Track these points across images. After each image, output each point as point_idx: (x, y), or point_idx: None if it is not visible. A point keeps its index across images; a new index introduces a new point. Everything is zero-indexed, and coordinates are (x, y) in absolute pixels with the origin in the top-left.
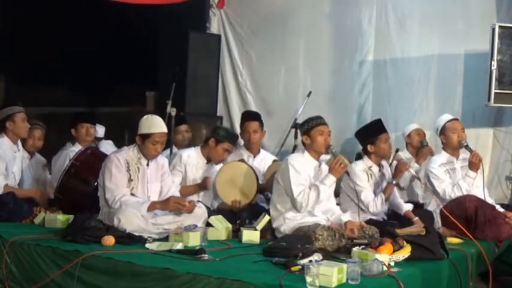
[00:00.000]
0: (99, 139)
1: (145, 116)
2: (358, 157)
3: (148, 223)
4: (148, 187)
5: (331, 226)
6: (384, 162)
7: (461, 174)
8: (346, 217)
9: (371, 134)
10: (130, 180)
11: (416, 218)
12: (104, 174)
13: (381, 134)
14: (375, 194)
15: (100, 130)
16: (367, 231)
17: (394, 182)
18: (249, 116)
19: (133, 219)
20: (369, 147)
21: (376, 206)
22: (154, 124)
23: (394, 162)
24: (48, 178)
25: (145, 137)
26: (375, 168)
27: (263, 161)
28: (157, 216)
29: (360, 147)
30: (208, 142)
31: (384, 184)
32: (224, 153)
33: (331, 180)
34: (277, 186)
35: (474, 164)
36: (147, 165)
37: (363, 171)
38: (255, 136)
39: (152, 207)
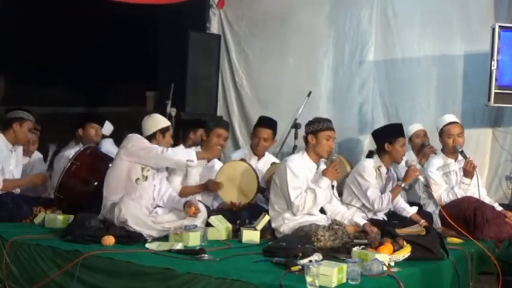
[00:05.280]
0: (105, 137)
1: (148, 116)
2: (370, 155)
3: (148, 218)
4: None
5: (331, 225)
6: (391, 167)
7: (459, 176)
8: (361, 220)
9: (392, 134)
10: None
11: (423, 221)
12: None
13: (400, 137)
14: (381, 193)
15: (108, 128)
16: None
17: (402, 185)
18: (263, 123)
19: (133, 210)
20: (386, 145)
21: (382, 203)
22: (162, 118)
23: (404, 164)
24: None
25: (166, 130)
26: (383, 170)
27: (267, 164)
28: (158, 215)
29: (364, 147)
30: (202, 138)
31: (389, 187)
32: (219, 141)
33: (326, 183)
34: (274, 187)
35: (468, 172)
36: None
37: (372, 168)
38: (264, 143)
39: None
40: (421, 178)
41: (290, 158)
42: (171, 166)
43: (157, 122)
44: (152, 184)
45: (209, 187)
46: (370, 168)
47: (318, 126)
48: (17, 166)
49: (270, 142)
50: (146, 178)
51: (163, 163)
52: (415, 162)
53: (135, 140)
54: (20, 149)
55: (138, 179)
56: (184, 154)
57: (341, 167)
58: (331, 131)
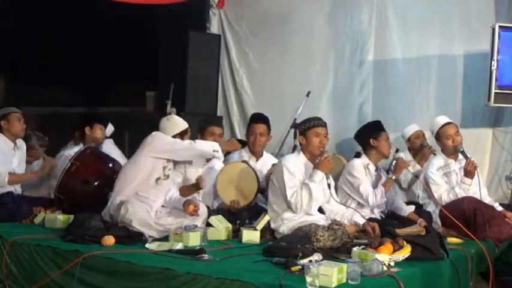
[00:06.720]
0: (105, 137)
1: (166, 119)
2: (357, 155)
3: (152, 218)
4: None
5: (331, 225)
6: (380, 166)
7: (460, 176)
8: (360, 219)
9: (375, 130)
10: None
11: (421, 219)
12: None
13: (383, 131)
14: (373, 188)
15: (109, 128)
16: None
17: (393, 177)
18: (256, 119)
19: (139, 211)
20: (371, 141)
21: (375, 197)
22: (180, 120)
23: (394, 161)
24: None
25: (185, 133)
26: (372, 167)
27: (265, 164)
28: (162, 215)
29: (359, 148)
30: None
31: (379, 185)
32: (214, 139)
33: (320, 176)
34: (272, 187)
35: (469, 172)
36: None
37: (361, 165)
38: (261, 139)
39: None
40: (411, 169)
41: (286, 158)
42: (197, 158)
43: (176, 125)
44: (171, 184)
45: (197, 184)
46: (359, 166)
47: (306, 126)
48: (20, 164)
49: (266, 137)
50: (168, 177)
51: (191, 153)
52: (412, 163)
53: (159, 138)
54: (23, 147)
55: (159, 178)
56: (209, 145)
57: (337, 163)
58: (319, 127)
